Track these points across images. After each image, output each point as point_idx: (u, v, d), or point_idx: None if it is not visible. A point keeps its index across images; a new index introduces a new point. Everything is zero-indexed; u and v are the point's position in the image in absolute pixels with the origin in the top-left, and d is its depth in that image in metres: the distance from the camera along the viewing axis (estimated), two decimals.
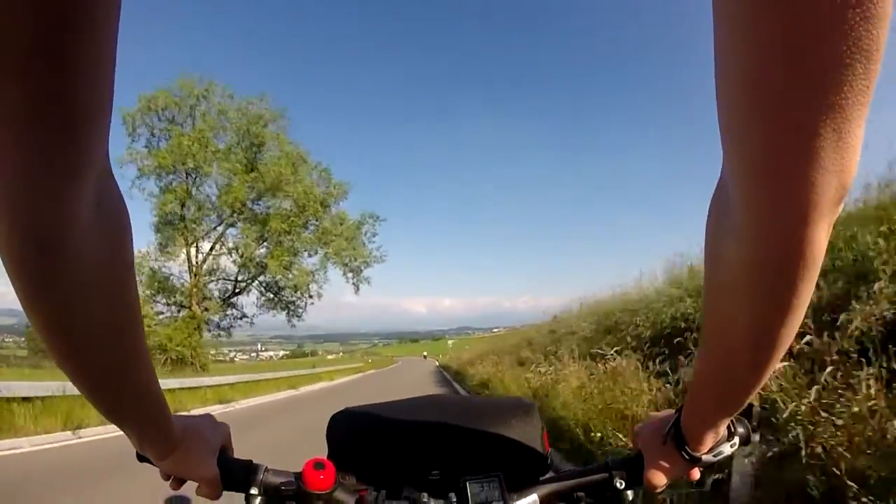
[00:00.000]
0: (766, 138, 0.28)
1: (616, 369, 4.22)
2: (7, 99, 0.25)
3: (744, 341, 0.41)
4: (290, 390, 15.81)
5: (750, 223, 0.33)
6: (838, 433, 2.05)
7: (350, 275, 26.11)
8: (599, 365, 4.91)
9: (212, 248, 24.38)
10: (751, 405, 0.55)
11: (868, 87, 0.26)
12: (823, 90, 0.26)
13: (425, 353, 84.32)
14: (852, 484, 1.85)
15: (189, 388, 11.43)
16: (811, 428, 2.14)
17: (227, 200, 22.51)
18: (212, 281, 25.37)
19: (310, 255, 25.70)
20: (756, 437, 0.64)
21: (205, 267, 24.39)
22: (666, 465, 0.58)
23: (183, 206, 22.67)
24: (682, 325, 4.75)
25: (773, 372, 0.53)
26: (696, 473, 0.59)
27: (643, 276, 7.75)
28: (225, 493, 0.59)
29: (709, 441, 0.55)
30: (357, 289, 26.57)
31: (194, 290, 23.46)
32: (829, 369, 2.33)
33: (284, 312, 26.77)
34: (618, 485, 0.60)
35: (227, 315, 26.61)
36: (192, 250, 23.89)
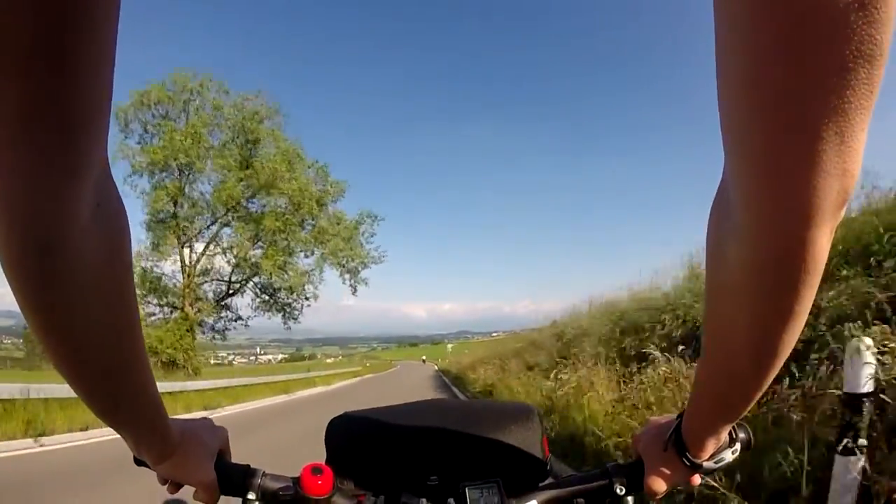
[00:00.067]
0: (768, 140, 0.28)
1: (668, 374, 3.51)
2: (6, 99, 0.25)
3: (744, 345, 0.40)
4: (283, 395, 15.12)
5: (751, 224, 0.33)
6: None
7: (347, 276, 25.54)
8: (629, 369, 4.27)
9: (206, 248, 23.80)
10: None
11: (871, 92, 0.25)
12: (826, 94, 0.25)
13: (424, 357, 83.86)
14: None
15: (171, 393, 10.78)
16: None
17: (221, 198, 21.89)
18: (205, 282, 24.81)
19: (306, 256, 25.16)
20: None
21: (198, 267, 23.82)
22: (667, 471, 0.57)
23: (175, 203, 22.07)
24: None
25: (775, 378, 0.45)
26: (696, 480, 0.58)
27: (658, 273, 7.23)
28: (222, 497, 0.59)
29: (710, 447, 0.54)
30: (354, 290, 26.01)
31: (187, 290, 22.84)
32: None
33: (280, 315, 26.33)
34: (618, 491, 0.59)
35: (221, 317, 26.16)
36: (186, 250, 23.36)
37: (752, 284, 0.36)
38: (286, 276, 23.40)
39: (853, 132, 0.27)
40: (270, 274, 22.83)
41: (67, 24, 0.24)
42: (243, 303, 26.92)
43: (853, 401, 2.04)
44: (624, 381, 4.40)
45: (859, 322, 2.66)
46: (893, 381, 2.14)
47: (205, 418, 0.64)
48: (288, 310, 26.17)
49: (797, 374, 2.65)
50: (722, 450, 0.55)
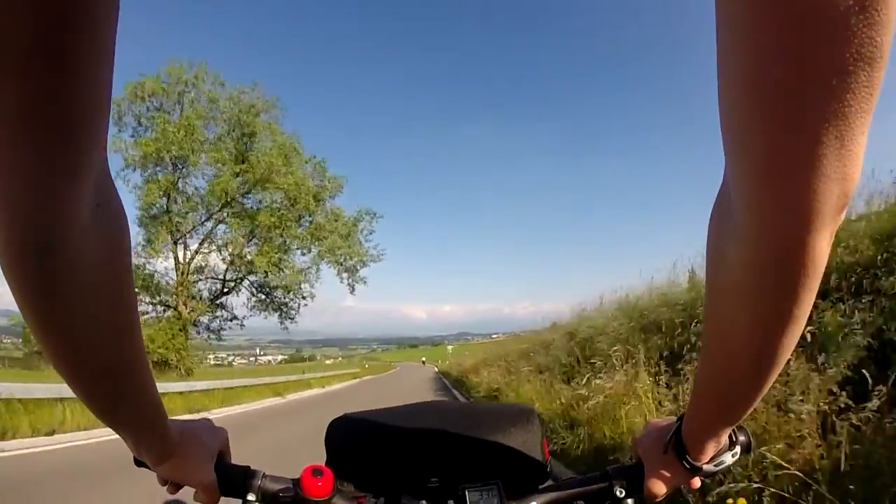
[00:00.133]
0: (768, 142, 0.28)
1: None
2: (6, 99, 0.25)
3: (744, 347, 0.40)
4: (275, 398, 14.42)
5: (752, 226, 0.33)
6: None
7: (345, 275, 24.83)
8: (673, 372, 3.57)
9: (200, 245, 23.12)
10: None
11: (871, 95, 0.25)
12: (826, 96, 0.25)
13: (423, 359, 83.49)
14: None
15: None
16: None
17: (215, 192, 21.17)
18: (200, 280, 24.14)
19: (303, 254, 24.44)
20: None
21: (192, 265, 23.16)
22: (667, 473, 0.57)
23: (169, 198, 21.38)
24: None
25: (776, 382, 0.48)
26: (696, 482, 0.58)
27: (676, 267, 6.60)
28: (222, 498, 0.59)
29: (710, 450, 0.54)
30: (353, 289, 25.31)
31: (180, 288, 22.16)
32: None
33: (277, 314, 25.69)
34: (618, 493, 0.59)
35: (216, 316, 25.55)
36: (179, 247, 22.67)
37: (753, 286, 0.36)
38: (282, 273, 22.65)
39: (853, 135, 0.27)
40: (265, 272, 22.10)
41: (67, 24, 0.24)
42: (239, 302, 26.39)
43: None
44: (667, 386, 3.69)
45: None
46: None
47: (205, 419, 0.63)
48: (284, 309, 25.55)
49: None
50: (722, 452, 0.55)
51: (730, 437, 0.55)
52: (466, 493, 0.59)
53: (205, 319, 24.76)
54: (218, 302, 24.91)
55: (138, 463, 0.56)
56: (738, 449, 0.56)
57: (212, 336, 25.40)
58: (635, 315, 6.19)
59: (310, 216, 23.44)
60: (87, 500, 3.75)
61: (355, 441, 0.73)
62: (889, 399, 2.31)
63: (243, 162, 21.84)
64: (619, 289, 8.02)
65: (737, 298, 0.38)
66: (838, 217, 0.31)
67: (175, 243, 22.33)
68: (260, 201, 22.72)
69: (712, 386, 0.48)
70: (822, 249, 0.32)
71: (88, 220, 0.33)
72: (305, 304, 25.72)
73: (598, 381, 4.41)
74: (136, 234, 21.43)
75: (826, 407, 2.40)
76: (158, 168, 20.93)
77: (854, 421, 2.24)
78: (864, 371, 2.43)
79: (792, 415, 2.40)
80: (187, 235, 22.57)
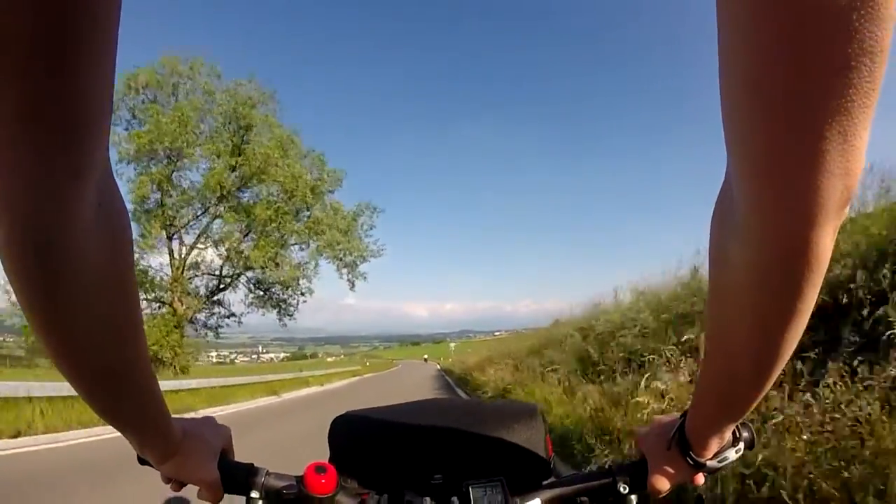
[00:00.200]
0: (770, 140, 0.28)
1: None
2: (7, 99, 0.25)
3: (747, 344, 0.40)
4: (270, 397, 13.78)
5: (754, 224, 0.33)
6: None
7: (345, 270, 24.22)
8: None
9: (196, 240, 22.50)
10: None
11: (873, 90, 0.25)
12: (828, 92, 0.25)
13: (426, 356, 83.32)
14: None
15: None
16: None
17: (210, 184, 20.51)
18: (196, 275, 23.55)
19: (301, 248, 23.83)
20: None
21: (188, 260, 22.57)
22: (670, 470, 0.57)
23: (163, 192, 20.77)
24: (845, 297, 3.13)
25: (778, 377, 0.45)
26: (700, 479, 0.58)
27: (700, 254, 5.90)
28: (226, 496, 0.59)
29: (713, 446, 0.54)
30: (352, 285, 24.68)
31: (174, 284, 21.56)
32: None
33: (275, 311, 25.16)
34: (621, 490, 0.59)
35: (213, 313, 25.02)
36: (175, 242, 22.12)
37: (755, 284, 0.36)
38: (280, 269, 21.98)
39: (856, 131, 0.26)
40: (262, 267, 21.46)
41: (68, 24, 0.24)
42: (236, 299, 25.87)
43: None
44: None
45: None
46: None
47: (208, 417, 0.64)
48: (283, 306, 25.04)
49: None
50: (725, 449, 0.55)
51: (733, 433, 0.55)
52: (470, 489, 0.59)
53: (202, 316, 24.37)
54: (215, 299, 24.41)
55: (142, 461, 0.56)
56: (741, 445, 0.55)
57: (209, 333, 25.03)
58: (661, 307, 5.53)
59: (308, 210, 22.83)
60: None
61: (358, 438, 0.72)
62: None
63: (239, 154, 21.22)
64: (633, 282, 7.39)
65: (739, 296, 0.38)
66: (842, 213, 0.30)
67: (170, 238, 21.78)
68: (257, 195, 22.16)
69: (715, 383, 0.48)
70: (825, 245, 0.31)
71: (91, 220, 0.32)
72: (304, 301, 25.28)
73: (659, 383, 3.59)
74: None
75: None
76: (152, 161, 20.29)
77: None
78: None
79: None
80: (182, 230, 22.00)
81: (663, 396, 3.60)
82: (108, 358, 0.41)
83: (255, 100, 21.87)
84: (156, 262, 21.90)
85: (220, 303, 24.75)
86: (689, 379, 3.65)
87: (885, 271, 3.00)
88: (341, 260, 23.79)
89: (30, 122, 0.26)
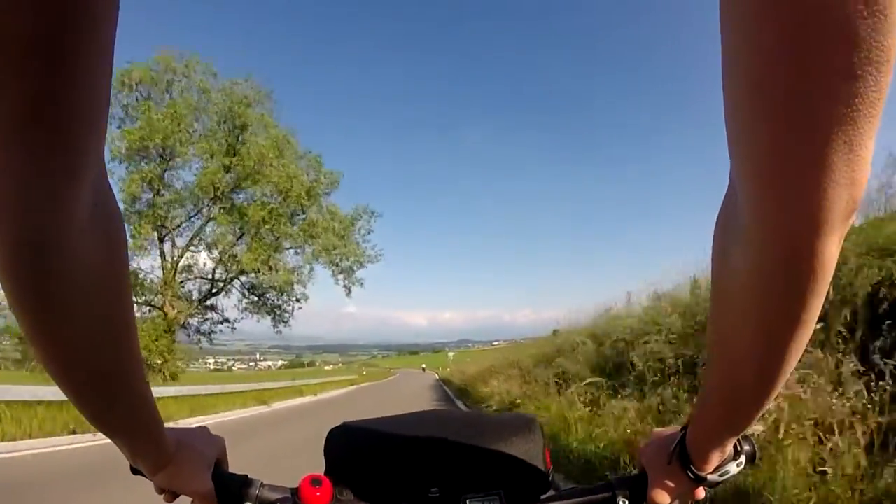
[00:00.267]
0: (773, 143, 0.28)
1: None
2: (6, 99, 0.25)
3: (749, 354, 0.40)
4: (260, 407, 13.06)
5: (758, 230, 0.32)
6: None
7: (341, 276, 23.52)
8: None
9: (189, 243, 21.82)
10: None
11: (879, 99, 0.25)
12: (833, 100, 0.25)
13: (423, 366, 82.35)
14: None
15: None
16: None
17: (202, 184, 19.82)
18: (189, 279, 22.86)
19: (296, 253, 23.10)
20: None
21: (180, 264, 21.89)
22: (671, 484, 0.56)
23: (154, 192, 20.11)
24: None
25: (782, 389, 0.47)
26: (700, 493, 0.58)
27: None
28: None
29: (715, 460, 0.53)
30: (349, 291, 24.00)
31: (164, 287, 20.85)
32: None
33: (270, 317, 24.44)
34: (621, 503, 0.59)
35: (206, 319, 24.31)
36: (167, 244, 21.41)
37: (758, 290, 0.35)
38: (273, 273, 21.19)
39: (861, 140, 0.26)
40: (254, 270, 20.69)
41: (67, 24, 0.24)
42: (230, 304, 25.17)
43: None
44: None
45: None
46: None
47: (202, 426, 0.63)
48: (278, 312, 24.35)
49: None
50: (727, 462, 0.54)
51: (735, 446, 0.54)
52: (468, 502, 0.60)
53: (195, 321, 23.67)
54: (208, 304, 23.72)
55: (134, 471, 0.56)
56: (742, 458, 0.55)
57: (202, 338, 24.33)
58: (689, 311, 4.86)
59: (303, 212, 22.15)
60: None
61: (355, 450, 0.71)
62: None
63: (234, 155, 20.58)
64: (650, 285, 6.74)
65: (742, 303, 0.37)
66: (847, 222, 0.30)
67: (161, 240, 21.08)
68: (251, 197, 21.40)
69: (717, 394, 0.47)
70: (830, 254, 0.31)
71: (86, 221, 0.32)
72: (300, 307, 24.59)
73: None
74: None
75: None
76: (144, 159, 19.61)
77: None
78: None
79: None
80: (174, 231, 21.28)
81: None
82: (100, 361, 0.40)
83: (252, 99, 21.31)
84: (146, 264, 21.22)
85: (213, 308, 24.09)
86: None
87: None
88: (337, 265, 23.12)
89: (28, 123, 0.25)
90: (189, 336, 24.31)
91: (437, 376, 39.91)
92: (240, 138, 21.00)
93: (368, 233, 23.75)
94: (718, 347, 0.43)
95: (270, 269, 20.85)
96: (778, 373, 0.40)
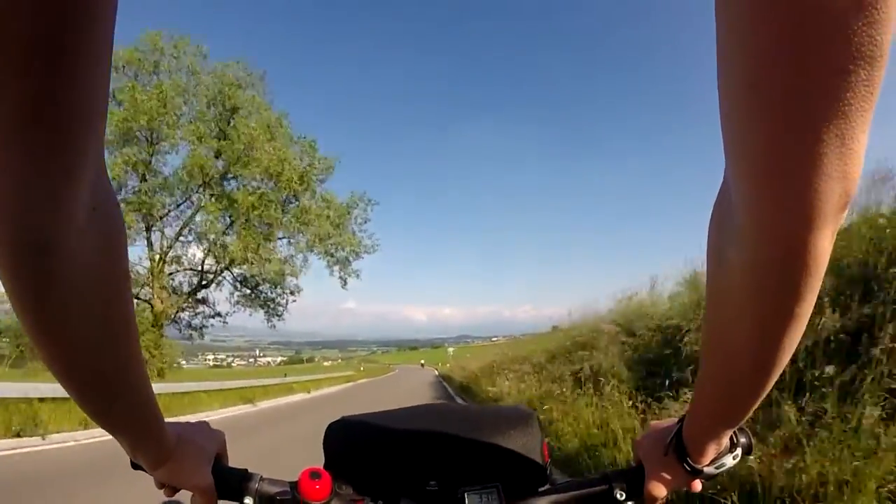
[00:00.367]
0: (768, 142, 0.28)
1: None
2: (5, 99, 0.25)
3: (745, 348, 0.40)
4: (244, 406, 12.08)
5: (752, 226, 0.33)
6: None
7: (336, 267, 22.50)
8: None
9: (178, 234, 20.81)
10: None
11: (872, 94, 0.26)
12: (826, 95, 0.26)
13: (422, 361, 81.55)
14: None
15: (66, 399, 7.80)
16: None
17: (190, 168, 18.77)
18: (178, 271, 21.89)
19: (289, 243, 22.06)
20: None
21: (170, 255, 20.90)
22: (667, 476, 0.57)
23: (141, 178, 19.11)
24: None
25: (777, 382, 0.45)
26: (697, 485, 0.58)
27: None
28: (220, 502, 0.59)
29: (711, 452, 0.54)
30: (344, 283, 22.94)
31: (151, 278, 19.86)
32: None
33: (263, 311, 23.50)
34: (618, 496, 0.59)
35: (198, 313, 23.36)
36: (155, 234, 20.42)
37: (753, 287, 0.36)
38: (263, 261, 20.11)
39: (854, 134, 0.27)
40: (244, 259, 19.57)
41: (67, 24, 0.24)
42: (222, 297, 24.27)
43: None
44: None
45: None
46: None
47: (202, 421, 0.64)
48: (271, 305, 23.41)
49: None
50: (723, 455, 0.55)
51: (731, 438, 0.54)
52: (466, 496, 0.60)
53: (186, 315, 22.75)
54: (200, 297, 22.76)
55: (135, 466, 0.56)
56: (739, 451, 0.55)
57: (193, 333, 23.41)
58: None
59: (295, 199, 21.08)
60: None
61: (353, 444, 0.70)
62: None
63: (224, 139, 19.55)
64: (680, 269, 5.78)
65: (737, 299, 0.38)
66: (840, 216, 0.30)
67: (148, 229, 20.10)
68: (242, 184, 20.35)
69: (713, 388, 0.48)
70: (824, 249, 0.32)
71: (85, 221, 0.32)
72: (293, 300, 23.74)
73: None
74: None
75: None
76: (127, 142, 18.51)
77: None
78: None
79: None
80: (161, 221, 20.24)
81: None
82: (100, 359, 0.40)
83: (244, 81, 20.30)
84: (133, 255, 20.17)
85: (204, 301, 23.16)
86: None
87: None
88: (332, 255, 22.12)
89: (28, 123, 0.25)
90: (180, 331, 23.51)
91: (436, 372, 39.01)
92: (230, 122, 19.97)
93: (365, 222, 22.78)
94: (714, 341, 0.44)
95: (260, 257, 19.83)
96: (773, 366, 0.40)
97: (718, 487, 2.31)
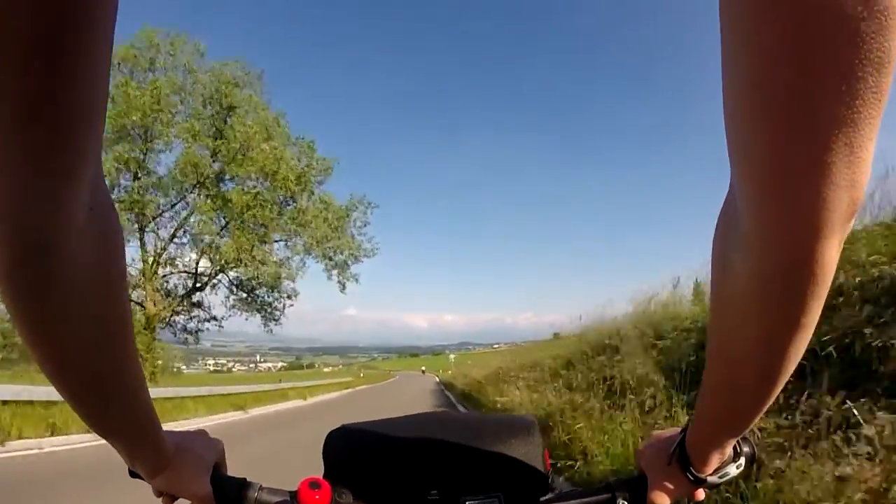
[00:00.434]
0: (775, 149, 0.28)
1: None
2: (5, 99, 0.25)
3: (750, 357, 0.40)
4: (234, 413, 11.45)
5: (758, 234, 0.32)
6: None
7: (334, 271, 21.90)
8: None
9: (173, 235, 20.25)
10: None
11: (880, 101, 0.25)
12: (834, 102, 0.25)
13: (423, 368, 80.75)
14: None
15: (46, 403, 7.19)
16: None
17: (183, 166, 18.21)
18: (172, 273, 21.31)
19: (286, 245, 21.50)
20: None
21: (164, 257, 20.33)
22: (670, 486, 0.56)
23: (134, 175, 18.59)
24: None
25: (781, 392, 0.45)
26: (700, 494, 0.58)
27: None
28: None
29: (714, 462, 0.53)
30: (343, 287, 22.36)
31: (143, 280, 19.28)
32: None
33: (259, 315, 22.89)
34: None
35: (193, 316, 22.76)
36: (149, 235, 19.84)
37: (759, 295, 0.35)
38: (256, 262, 19.51)
39: (862, 142, 0.26)
40: (238, 261, 19.00)
41: (67, 24, 0.24)
42: (218, 301, 23.67)
43: None
44: None
45: None
46: None
47: (201, 430, 0.63)
48: (268, 310, 22.80)
49: None
50: (726, 464, 0.54)
51: (734, 448, 0.54)
52: None
53: (181, 319, 22.15)
54: (195, 300, 22.17)
55: (132, 474, 0.56)
56: (742, 460, 0.55)
57: (189, 337, 22.81)
58: None
59: (293, 200, 20.51)
60: None
61: (353, 452, 0.69)
62: None
63: (221, 138, 19.02)
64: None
65: (743, 307, 0.37)
66: (847, 225, 0.30)
67: (141, 229, 19.49)
68: (237, 183, 19.80)
69: (717, 396, 0.47)
70: (831, 257, 0.31)
71: (84, 221, 0.32)
72: (291, 305, 23.12)
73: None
74: None
75: None
76: (120, 139, 17.94)
77: None
78: None
79: None
80: (154, 221, 19.68)
81: None
82: (95, 361, 0.40)
83: (241, 80, 19.76)
84: (126, 256, 19.60)
85: (199, 305, 22.57)
86: None
87: None
88: (331, 259, 21.54)
89: (28, 123, 0.25)
90: (175, 335, 22.95)
91: (437, 379, 38.32)
92: (227, 121, 19.44)
93: (365, 225, 22.23)
94: (719, 349, 0.43)
95: (254, 259, 19.22)
96: (778, 375, 0.40)
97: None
